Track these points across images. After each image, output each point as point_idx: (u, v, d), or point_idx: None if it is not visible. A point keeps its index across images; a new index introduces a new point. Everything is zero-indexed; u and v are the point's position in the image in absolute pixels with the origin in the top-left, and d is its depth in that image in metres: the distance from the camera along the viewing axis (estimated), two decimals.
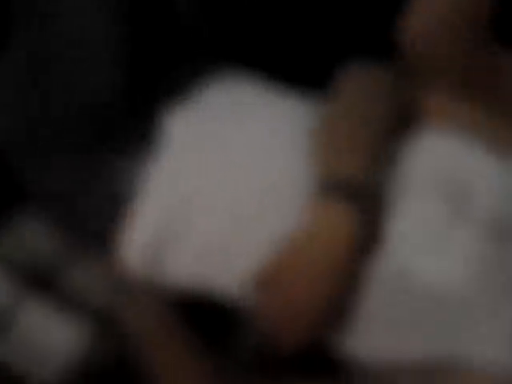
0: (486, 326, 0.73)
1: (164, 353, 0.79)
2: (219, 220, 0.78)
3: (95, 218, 0.82)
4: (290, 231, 0.74)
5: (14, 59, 0.87)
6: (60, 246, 0.87)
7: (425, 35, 0.86)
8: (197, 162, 0.81)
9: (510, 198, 0.78)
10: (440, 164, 0.79)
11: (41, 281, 0.85)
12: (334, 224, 0.72)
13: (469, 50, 0.88)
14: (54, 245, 0.88)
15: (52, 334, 0.80)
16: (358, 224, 0.73)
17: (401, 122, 0.83)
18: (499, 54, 0.92)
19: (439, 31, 0.85)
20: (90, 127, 0.83)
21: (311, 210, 0.73)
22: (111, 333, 0.82)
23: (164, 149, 0.81)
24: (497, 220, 0.76)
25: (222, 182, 0.79)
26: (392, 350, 0.73)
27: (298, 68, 1.01)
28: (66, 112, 0.83)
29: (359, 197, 0.73)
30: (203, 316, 0.81)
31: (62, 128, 0.83)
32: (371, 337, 0.74)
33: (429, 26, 0.85)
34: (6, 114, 0.88)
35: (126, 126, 0.83)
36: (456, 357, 0.72)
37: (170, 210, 0.78)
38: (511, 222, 0.77)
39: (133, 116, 0.83)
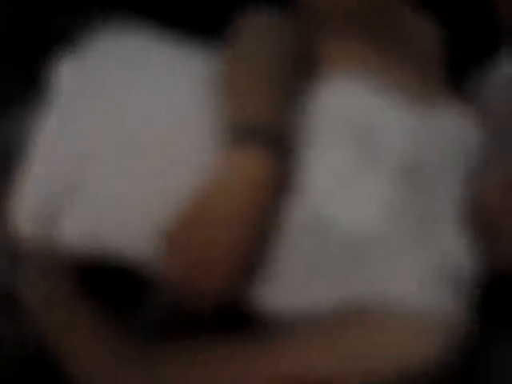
0: (397, 266, 0.73)
1: (64, 321, 0.74)
2: (116, 176, 0.73)
3: None
4: (199, 182, 0.69)
5: None
6: None
7: None
8: (88, 114, 0.75)
9: (416, 140, 0.78)
10: (347, 109, 0.77)
11: None
12: (247, 170, 0.69)
13: None
14: None
15: None
16: (271, 169, 0.69)
17: (303, 69, 0.80)
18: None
19: None
20: None
21: (222, 158, 0.69)
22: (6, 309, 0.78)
23: (53, 101, 0.76)
24: (405, 162, 0.76)
25: (117, 134, 0.74)
26: (309, 297, 0.71)
27: (192, 16, 0.98)
28: None
29: (271, 142, 0.70)
30: (105, 280, 0.76)
31: None
32: (287, 286, 0.72)
33: None
34: None
35: (11, 77, 0.79)
36: (371, 298, 0.72)
37: (62, 168, 0.73)
38: (419, 163, 0.77)
39: (19, 67, 0.80)
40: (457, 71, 0.98)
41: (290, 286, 0.72)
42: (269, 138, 0.70)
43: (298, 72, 0.81)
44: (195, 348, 0.72)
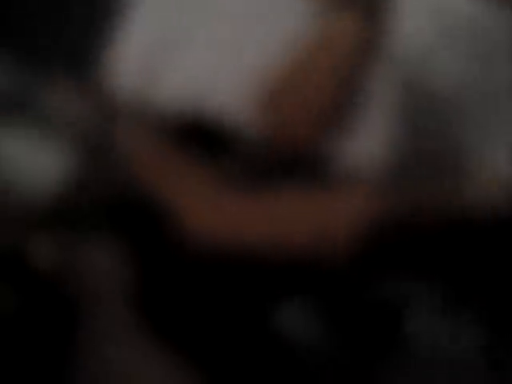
0: (484, 127, 0.75)
1: (164, 170, 0.76)
2: (215, 35, 0.75)
3: (79, 34, 0.77)
4: (298, 42, 0.71)
5: None
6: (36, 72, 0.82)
7: None
8: None
9: None
10: None
11: (17, 107, 0.79)
12: (346, 33, 0.71)
13: None
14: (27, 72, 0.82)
15: (36, 162, 0.76)
16: (362, 28, 0.71)
17: None
18: None
19: None
20: None
21: (321, 23, 0.72)
22: (101, 158, 0.77)
23: None
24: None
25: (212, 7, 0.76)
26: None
27: None
28: None
29: (367, 9, 0.72)
30: (197, 137, 0.77)
31: None
32: (372, 137, 0.74)
33: None
34: None
35: None
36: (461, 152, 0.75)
37: (163, 28, 0.75)
38: None
39: None
40: None
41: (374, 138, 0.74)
42: (365, 7, 0.71)
43: None
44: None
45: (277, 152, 0.73)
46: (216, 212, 0.74)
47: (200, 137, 0.76)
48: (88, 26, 0.78)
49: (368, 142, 0.74)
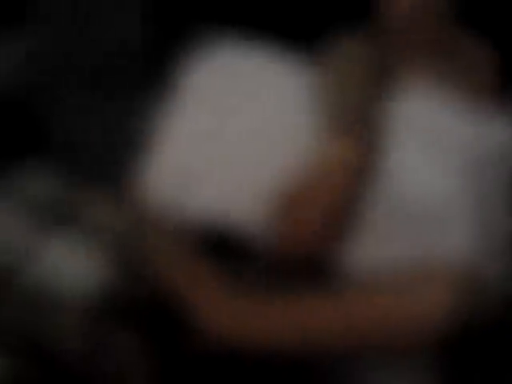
0: (460, 231, 0.84)
1: (188, 278, 0.85)
2: (237, 158, 0.86)
3: (114, 154, 0.88)
4: (302, 164, 0.83)
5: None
6: (75, 185, 0.92)
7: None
8: (215, 108, 0.88)
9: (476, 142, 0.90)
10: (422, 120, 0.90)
11: (58, 219, 0.89)
12: (345, 157, 0.83)
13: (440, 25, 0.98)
14: (67, 185, 0.92)
15: (75, 268, 0.85)
16: (358, 155, 0.83)
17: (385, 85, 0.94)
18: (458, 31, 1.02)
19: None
20: (114, 75, 0.89)
21: (325, 146, 0.83)
22: (134, 267, 0.87)
23: (187, 93, 0.88)
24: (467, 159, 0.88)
25: (237, 124, 0.87)
26: (383, 255, 0.83)
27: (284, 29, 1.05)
28: (93, 60, 0.90)
29: (364, 135, 0.84)
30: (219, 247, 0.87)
31: (87, 75, 0.90)
32: (366, 246, 0.84)
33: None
34: (31, 63, 0.93)
35: (149, 73, 0.90)
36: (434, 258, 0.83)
37: (192, 148, 0.85)
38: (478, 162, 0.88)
39: (157, 65, 0.90)
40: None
41: (368, 246, 0.84)
42: (363, 133, 0.84)
43: (382, 89, 0.94)
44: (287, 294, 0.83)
45: (291, 260, 0.83)
46: (235, 317, 0.82)
47: (221, 248, 0.86)
48: (125, 143, 0.88)
49: (366, 248, 0.84)
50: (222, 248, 0.87)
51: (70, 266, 0.85)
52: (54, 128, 0.92)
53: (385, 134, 0.87)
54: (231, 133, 0.87)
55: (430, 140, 0.88)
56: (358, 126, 0.84)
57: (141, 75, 0.91)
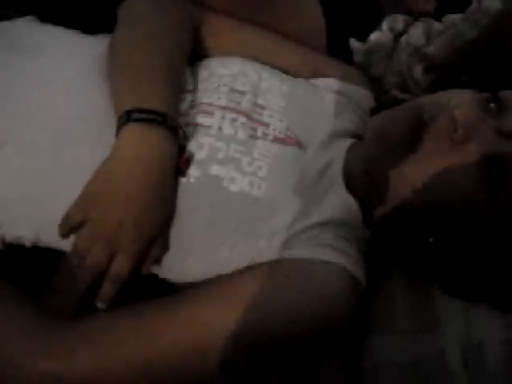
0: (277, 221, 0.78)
1: None
2: (31, 166, 0.77)
3: None
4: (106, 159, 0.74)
5: None
6: None
7: None
8: None
9: (297, 114, 0.87)
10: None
11: None
12: (153, 147, 0.73)
13: None
14: None
15: None
16: (172, 145, 0.75)
17: (191, 48, 0.88)
18: None
19: None
20: None
21: (125, 137, 0.74)
22: None
23: None
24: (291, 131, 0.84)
25: (23, 117, 0.79)
26: (212, 258, 0.76)
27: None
28: None
29: (162, 122, 0.75)
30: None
31: None
32: (190, 251, 0.76)
33: None
34: None
35: None
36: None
37: None
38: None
39: None
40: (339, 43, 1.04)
41: (192, 251, 0.77)
42: (162, 120, 0.74)
43: (188, 52, 0.88)
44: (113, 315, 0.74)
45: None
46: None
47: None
48: None
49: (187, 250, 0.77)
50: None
51: None
52: None
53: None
54: (18, 137, 0.78)
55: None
56: (161, 112, 0.75)
57: None
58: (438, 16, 1.06)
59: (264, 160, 0.80)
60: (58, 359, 0.72)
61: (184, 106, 0.84)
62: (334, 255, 0.78)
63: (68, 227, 0.73)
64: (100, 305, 0.74)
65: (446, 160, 0.78)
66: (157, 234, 0.74)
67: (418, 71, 1.02)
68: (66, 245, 0.75)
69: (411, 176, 0.79)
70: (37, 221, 0.78)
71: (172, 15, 0.88)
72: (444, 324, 0.81)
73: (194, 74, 0.88)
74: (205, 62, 0.91)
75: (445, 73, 1.00)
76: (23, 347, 0.72)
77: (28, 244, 0.79)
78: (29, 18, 0.93)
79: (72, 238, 0.74)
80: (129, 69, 0.80)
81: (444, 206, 0.79)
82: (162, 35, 0.84)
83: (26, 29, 0.90)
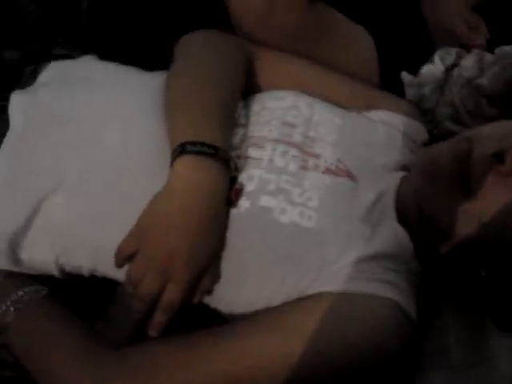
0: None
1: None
2: (88, 198, 0.80)
3: None
4: (159, 191, 0.75)
5: None
6: None
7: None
8: (48, 140, 0.83)
9: (349, 145, 0.88)
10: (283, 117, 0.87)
11: None
12: (205, 179, 0.75)
13: (298, 12, 0.98)
14: None
15: None
16: (223, 177, 0.76)
17: (244, 82, 0.90)
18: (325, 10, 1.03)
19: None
20: None
21: (178, 169, 0.75)
22: None
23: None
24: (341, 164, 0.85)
25: (79, 167, 0.81)
26: (262, 290, 0.77)
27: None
28: None
29: (216, 155, 0.76)
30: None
31: None
32: (240, 282, 0.77)
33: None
34: None
35: None
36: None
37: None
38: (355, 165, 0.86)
39: None
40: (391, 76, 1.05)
41: (242, 282, 0.78)
42: (214, 152, 0.76)
43: (241, 86, 0.90)
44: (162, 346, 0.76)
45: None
46: None
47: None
48: None
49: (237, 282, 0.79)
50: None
51: None
52: None
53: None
54: (77, 174, 0.81)
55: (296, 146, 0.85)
56: (214, 144, 0.77)
57: None
58: (489, 48, 1.05)
59: (315, 191, 0.81)
60: None
61: (236, 139, 0.85)
62: (384, 289, 0.78)
63: (122, 257, 0.75)
64: (152, 333, 0.75)
65: (496, 193, 0.77)
66: (208, 265, 0.75)
67: (471, 103, 1.01)
68: (121, 275, 0.77)
69: (465, 212, 0.78)
70: (94, 251, 0.80)
71: (226, 51, 0.90)
72: (497, 358, 0.79)
73: (247, 108, 0.90)
74: (257, 96, 0.92)
75: (498, 104, 0.99)
76: (73, 373, 0.75)
77: (86, 273, 0.82)
78: (89, 56, 0.97)
79: (127, 268, 0.76)
80: (183, 104, 0.82)
81: (494, 240, 0.78)
82: (216, 70, 0.86)
83: (86, 66, 0.94)
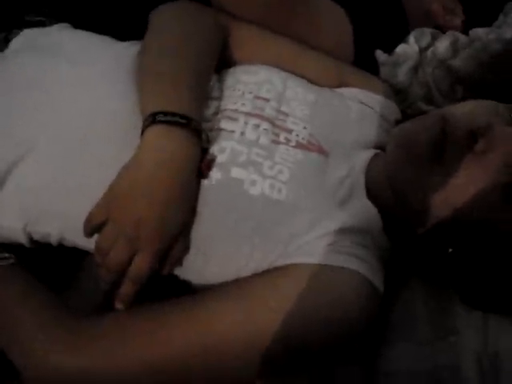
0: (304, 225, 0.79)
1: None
2: (57, 165, 0.79)
3: None
4: (130, 160, 0.75)
5: None
6: None
7: None
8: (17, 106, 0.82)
9: (321, 121, 0.88)
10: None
11: None
12: (176, 148, 0.75)
13: None
14: None
15: None
16: (194, 147, 0.77)
17: (218, 55, 0.90)
18: None
19: None
20: None
21: (149, 138, 0.75)
22: None
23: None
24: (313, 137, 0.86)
25: (49, 130, 0.81)
26: (231, 260, 0.78)
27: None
28: None
29: (186, 124, 0.76)
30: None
31: None
32: (209, 252, 0.78)
33: None
34: None
35: None
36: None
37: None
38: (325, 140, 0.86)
39: None
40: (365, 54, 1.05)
41: (211, 252, 0.78)
42: (185, 122, 0.76)
43: (214, 61, 0.89)
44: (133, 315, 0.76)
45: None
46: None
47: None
48: None
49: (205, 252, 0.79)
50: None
51: None
52: None
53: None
54: (46, 136, 0.81)
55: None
56: (185, 114, 0.77)
57: None
58: (465, 29, 1.06)
59: (285, 164, 0.81)
60: (74, 354, 0.73)
61: (209, 112, 0.85)
62: (352, 262, 0.79)
63: (91, 226, 0.75)
64: (119, 305, 0.75)
65: (469, 172, 0.78)
66: (178, 234, 0.75)
67: (444, 84, 1.02)
68: (89, 244, 0.77)
69: (439, 189, 0.79)
70: (63, 219, 0.80)
71: (200, 23, 0.90)
72: (462, 333, 0.81)
73: (220, 82, 0.90)
74: (231, 70, 0.92)
75: (470, 85, 1.00)
76: (42, 342, 0.74)
77: (54, 242, 0.82)
78: (63, 24, 0.96)
79: (96, 237, 0.75)
80: (156, 73, 0.82)
81: (466, 218, 0.79)
82: (189, 42, 0.86)
83: (59, 34, 0.93)
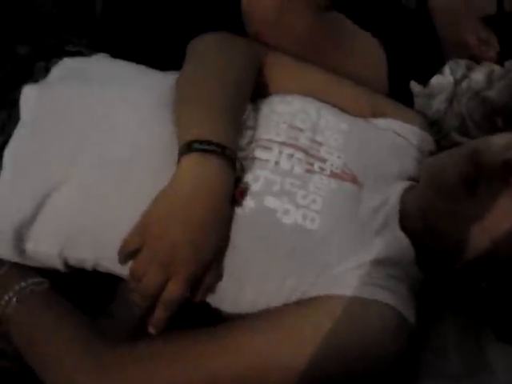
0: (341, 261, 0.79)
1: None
2: (90, 200, 0.80)
3: None
4: (165, 187, 0.76)
5: None
6: None
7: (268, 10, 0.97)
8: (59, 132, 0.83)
9: (355, 151, 0.88)
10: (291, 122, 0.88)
11: None
12: (210, 176, 0.76)
13: (310, 18, 0.99)
14: None
15: None
16: (229, 175, 0.77)
17: (254, 85, 0.91)
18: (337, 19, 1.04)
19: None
20: None
21: (184, 166, 0.76)
22: None
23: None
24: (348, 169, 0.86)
25: (91, 149, 0.82)
26: (264, 290, 0.78)
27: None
28: None
29: (222, 153, 0.77)
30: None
31: None
32: (242, 281, 0.78)
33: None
34: None
35: None
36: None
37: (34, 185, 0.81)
38: (363, 172, 0.86)
39: None
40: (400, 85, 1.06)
41: (244, 281, 0.78)
42: (220, 150, 0.77)
43: (250, 90, 0.90)
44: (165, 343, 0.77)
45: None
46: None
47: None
48: None
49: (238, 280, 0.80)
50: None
51: None
52: None
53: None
54: (85, 168, 0.82)
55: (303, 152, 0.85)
56: (221, 143, 0.78)
57: None
58: (500, 60, 1.06)
59: (319, 193, 0.82)
60: (107, 377, 0.74)
61: (244, 141, 0.86)
62: (384, 294, 0.78)
63: (126, 253, 0.76)
64: (151, 330, 0.76)
65: (505, 204, 0.77)
66: (211, 260, 0.75)
67: (478, 115, 1.02)
68: (124, 270, 0.77)
69: (473, 222, 0.78)
70: (98, 245, 0.81)
71: (237, 53, 0.91)
72: (495, 369, 0.79)
73: (255, 111, 0.91)
74: (266, 100, 0.93)
75: (505, 117, 0.99)
76: (73, 364, 0.75)
77: (89, 267, 0.83)
78: (102, 54, 0.98)
79: (130, 264, 0.76)
80: (193, 103, 0.83)
81: (501, 252, 0.78)
82: (226, 72, 0.87)
83: (99, 63, 0.95)
